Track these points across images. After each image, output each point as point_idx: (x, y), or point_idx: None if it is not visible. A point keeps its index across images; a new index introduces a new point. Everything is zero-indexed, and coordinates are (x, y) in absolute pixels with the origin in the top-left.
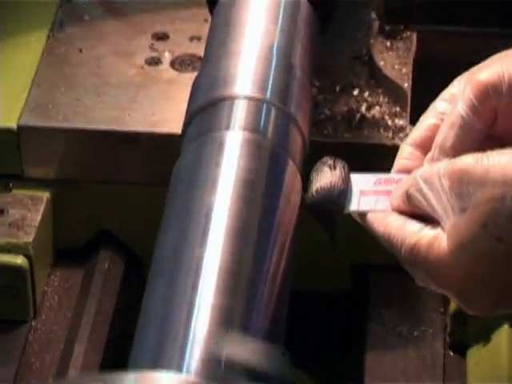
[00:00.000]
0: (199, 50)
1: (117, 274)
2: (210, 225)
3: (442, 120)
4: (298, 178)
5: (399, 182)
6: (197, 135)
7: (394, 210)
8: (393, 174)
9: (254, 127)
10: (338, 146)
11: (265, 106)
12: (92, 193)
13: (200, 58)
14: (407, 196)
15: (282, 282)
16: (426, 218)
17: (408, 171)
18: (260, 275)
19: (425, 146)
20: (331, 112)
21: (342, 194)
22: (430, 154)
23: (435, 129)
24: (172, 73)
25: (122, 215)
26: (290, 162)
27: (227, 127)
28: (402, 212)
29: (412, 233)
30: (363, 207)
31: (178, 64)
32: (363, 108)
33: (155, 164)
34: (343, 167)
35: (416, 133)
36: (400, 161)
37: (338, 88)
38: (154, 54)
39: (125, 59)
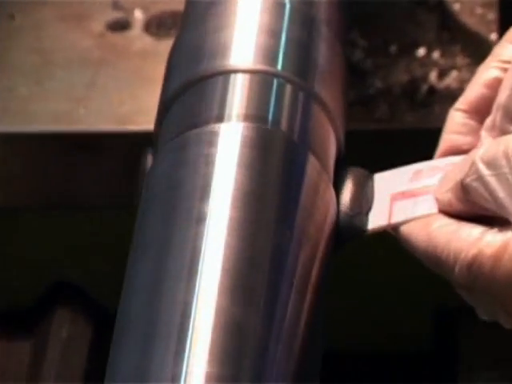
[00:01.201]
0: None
1: (82, 342)
2: (199, 259)
3: (506, 71)
4: (327, 182)
5: (448, 171)
6: (176, 131)
7: (441, 211)
8: (438, 160)
9: (259, 115)
10: (395, 135)
11: (275, 83)
12: (38, 226)
13: None
14: (462, 188)
15: (307, 338)
16: (489, 220)
17: (460, 152)
18: (272, 332)
19: (483, 112)
20: (385, 84)
21: (359, 214)
22: (489, 120)
23: (497, 84)
24: (146, 40)
25: (85, 257)
26: (314, 162)
27: (220, 118)
28: (452, 213)
29: (470, 242)
30: (396, 219)
31: (155, 27)
32: (433, 75)
33: (127, 178)
34: (359, 175)
35: (471, 92)
36: (448, 137)
37: (393, 48)
38: (120, 15)
39: (76, 25)
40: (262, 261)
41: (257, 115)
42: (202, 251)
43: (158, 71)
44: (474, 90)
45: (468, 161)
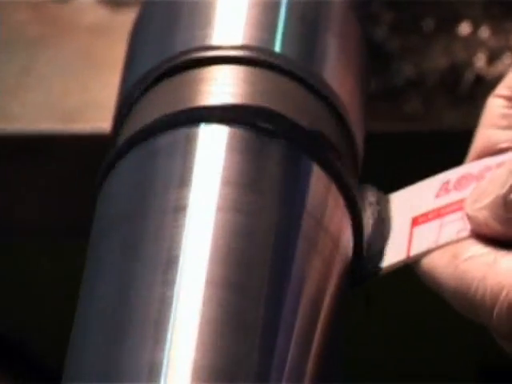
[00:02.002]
0: None
1: None
2: (171, 302)
3: None
4: (336, 196)
5: (483, 181)
6: (142, 133)
7: (473, 233)
8: (470, 165)
9: (249, 114)
10: (431, 138)
11: (269, 72)
12: None
13: None
14: (503, 205)
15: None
16: None
17: (499, 152)
18: (273, 324)
19: None
20: (417, 72)
21: (372, 247)
22: None
23: None
24: (99, 12)
25: (26, 303)
26: (320, 174)
27: (199, 117)
28: (489, 237)
29: None
30: (416, 250)
31: None
32: (480, 60)
33: (73, 195)
34: (372, 195)
35: None
36: (484, 132)
37: (428, 24)
38: None
39: None
40: (253, 295)
41: (246, 115)
42: (175, 288)
43: (114, 52)
44: None
45: (511, 168)
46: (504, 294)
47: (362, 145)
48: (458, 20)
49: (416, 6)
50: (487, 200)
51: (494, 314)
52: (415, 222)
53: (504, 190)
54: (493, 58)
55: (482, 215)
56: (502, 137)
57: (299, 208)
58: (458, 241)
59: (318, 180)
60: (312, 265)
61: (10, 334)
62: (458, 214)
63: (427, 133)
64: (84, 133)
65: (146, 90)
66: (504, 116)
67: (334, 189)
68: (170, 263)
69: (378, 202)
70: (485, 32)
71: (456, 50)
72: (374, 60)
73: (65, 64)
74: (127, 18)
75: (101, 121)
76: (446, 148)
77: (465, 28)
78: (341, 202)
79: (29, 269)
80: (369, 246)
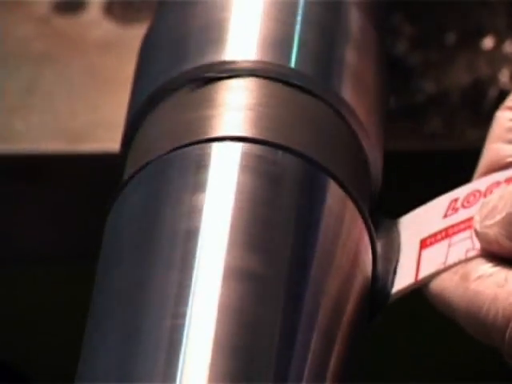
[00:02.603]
0: None
1: None
2: (182, 331)
3: None
4: (353, 212)
5: (492, 197)
6: (151, 153)
7: (483, 252)
8: (477, 182)
9: (263, 133)
10: (453, 157)
11: (285, 88)
12: None
13: None
14: None
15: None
16: None
17: (506, 165)
18: (290, 329)
19: None
20: (438, 88)
21: (384, 274)
22: None
23: None
24: (107, 27)
25: (22, 332)
26: (334, 189)
27: (212, 135)
28: (499, 255)
29: None
30: (424, 272)
31: (119, 8)
32: (504, 76)
33: (82, 218)
34: (382, 222)
35: None
36: (492, 147)
37: (450, 38)
38: None
39: (12, 6)
40: (269, 324)
41: (260, 133)
42: (187, 315)
43: (123, 69)
44: None
45: None
46: None
47: (380, 164)
48: (481, 34)
49: (438, 19)
50: (499, 217)
51: (507, 336)
52: (424, 244)
53: None
54: None
55: (493, 232)
56: (510, 151)
57: (315, 223)
58: (466, 260)
59: (333, 195)
60: (330, 274)
61: (10, 364)
62: (467, 233)
63: (449, 152)
64: (91, 154)
65: (156, 107)
66: None
67: (350, 205)
68: (182, 287)
69: (387, 228)
70: (509, 46)
71: (479, 66)
72: (393, 76)
73: (71, 81)
74: (137, 34)
75: (109, 141)
76: (469, 167)
77: (489, 42)
78: (358, 218)
79: (29, 295)
80: (381, 271)
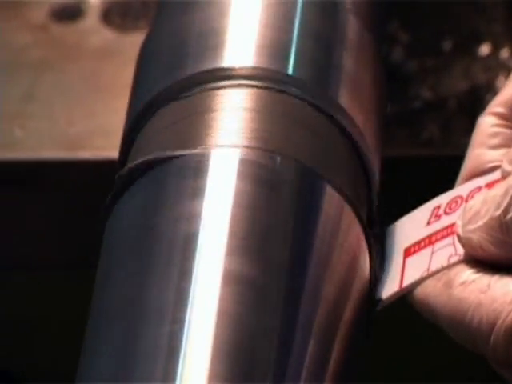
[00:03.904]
0: None
1: None
2: (181, 336)
3: None
4: (351, 217)
5: (474, 202)
6: (150, 159)
7: (467, 257)
8: (460, 188)
9: (261, 138)
10: (449, 164)
11: (282, 95)
12: None
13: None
14: (499, 227)
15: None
16: None
17: (489, 172)
18: (291, 332)
19: None
20: (435, 95)
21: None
22: None
23: None
24: (105, 34)
25: (26, 341)
26: (331, 193)
27: (210, 142)
28: (482, 260)
29: (508, 302)
30: (408, 280)
31: (117, 16)
32: (501, 82)
33: (80, 225)
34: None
35: (507, 91)
36: (474, 152)
37: (447, 45)
38: None
39: (10, 14)
40: (267, 329)
41: (257, 140)
42: (186, 322)
43: (121, 77)
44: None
45: (507, 188)
46: (500, 320)
47: (377, 170)
48: (477, 40)
49: (434, 26)
50: (481, 222)
51: (491, 342)
52: (408, 252)
53: (499, 212)
54: None
55: (477, 237)
56: (492, 156)
57: (313, 229)
58: (449, 266)
59: (330, 200)
60: (328, 279)
61: (10, 371)
62: (449, 239)
63: (445, 159)
64: (90, 161)
65: (154, 114)
66: (494, 135)
67: (348, 211)
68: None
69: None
70: (506, 53)
71: (476, 72)
72: (390, 83)
73: (69, 89)
74: (135, 41)
75: (107, 148)
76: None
77: (485, 49)
78: (356, 224)
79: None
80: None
